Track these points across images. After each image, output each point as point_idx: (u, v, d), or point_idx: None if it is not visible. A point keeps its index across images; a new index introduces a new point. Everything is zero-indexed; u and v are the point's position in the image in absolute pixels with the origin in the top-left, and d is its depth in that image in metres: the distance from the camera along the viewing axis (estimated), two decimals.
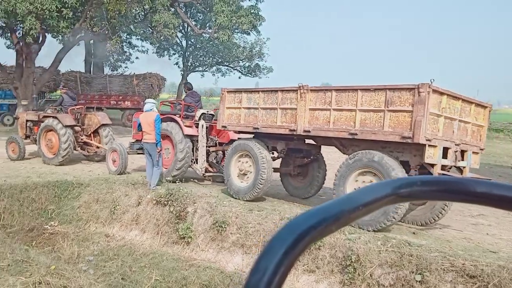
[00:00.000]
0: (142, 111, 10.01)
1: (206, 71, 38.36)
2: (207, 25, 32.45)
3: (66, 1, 17.18)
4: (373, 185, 0.65)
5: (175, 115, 10.78)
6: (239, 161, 8.84)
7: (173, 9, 24.98)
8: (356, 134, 6.88)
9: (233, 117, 8.93)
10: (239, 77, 37.42)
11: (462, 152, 7.11)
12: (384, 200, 0.64)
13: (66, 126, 12.44)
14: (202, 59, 37.16)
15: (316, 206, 0.61)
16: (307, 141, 8.76)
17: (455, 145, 6.87)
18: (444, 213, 7.50)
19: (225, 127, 9.16)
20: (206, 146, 10.37)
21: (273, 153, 8.97)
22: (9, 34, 22.07)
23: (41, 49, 21.92)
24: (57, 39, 24.30)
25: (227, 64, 37.09)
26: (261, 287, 0.52)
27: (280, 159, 9.58)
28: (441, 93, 6.50)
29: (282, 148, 8.82)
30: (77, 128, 12.99)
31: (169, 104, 13.15)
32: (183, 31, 34.85)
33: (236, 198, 8.71)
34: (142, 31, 25.90)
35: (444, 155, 6.71)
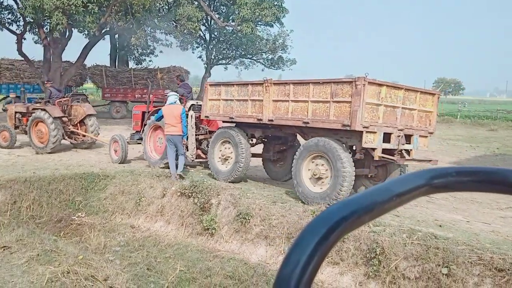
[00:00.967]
0: (144, 104, 10.66)
1: (229, 64, 38.29)
2: (230, 17, 32.37)
3: None
4: (407, 176, 0.64)
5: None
6: (222, 147, 9.75)
7: (196, 2, 25.04)
8: (308, 123, 7.71)
9: (214, 107, 9.82)
10: (262, 70, 37.26)
11: (409, 136, 7.81)
12: (417, 191, 0.63)
13: (55, 118, 13.27)
14: (225, 52, 37.11)
15: (349, 197, 0.60)
16: (288, 130, 9.22)
17: (399, 130, 7.56)
18: None
19: (207, 116, 10.14)
20: (198, 135, 11.10)
21: (252, 140, 9.84)
22: (36, 30, 22.53)
23: (68, 43, 22.31)
24: (83, 34, 24.68)
25: (250, 57, 36.94)
26: (293, 279, 0.52)
27: (262, 146, 10.56)
28: (380, 85, 7.19)
29: (260, 135, 9.71)
30: (64, 119, 13.85)
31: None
32: (206, 24, 34.85)
33: (216, 179, 9.48)
34: (166, 25, 25.99)
35: (388, 140, 7.43)
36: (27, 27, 22.46)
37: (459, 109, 33.12)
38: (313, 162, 7.79)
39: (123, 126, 20.63)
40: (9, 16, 22.74)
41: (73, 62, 23.82)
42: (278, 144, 10.23)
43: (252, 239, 7.59)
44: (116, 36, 30.52)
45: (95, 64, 29.01)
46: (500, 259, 5.25)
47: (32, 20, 21.11)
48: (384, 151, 7.45)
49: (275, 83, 8.40)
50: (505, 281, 5.10)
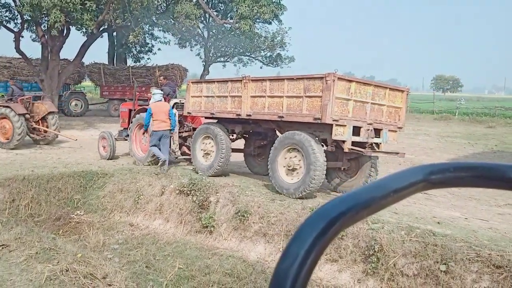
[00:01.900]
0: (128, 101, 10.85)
1: (228, 61, 38.26)
2: (229, 15, 32.34)
3: None
4: (404, 172, 0.64)
5: (148, 106, 11.40)
6: (203, 143, 10.02)
7: (194, 0, 24.97)
8: (283, 117, 8.05)
9: (196, 104, 10.14)
10: (261, 67, 37.23)
11: (379, 130, 8.09)
12: (414, 186, 0.63)
13: (19, 114, 13.64)
14: (223, 49, 37.04)
15: (347, 192, 0.60)
16: (265, 125, 9.43)
17: (368, 124, 7.84)
18: (371, 181, 8.07)
19: (190, 113, 10.47)
20: (182, 132, 11.48)
21: (232, 136, 10.13)
22: (34, 28, 22.44)
23: (66, 41, 22.24)
24: (81, 32, 24.61)
25: (249, 54, 36.90)
26: (291, 273, 0.52)
27: (244, 141, 10.88)
28: (349, 81, 7.56)
29: (240, 130, 10.01)
30: (27, 116, 14.21)
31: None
32: (204, 21, 34.80)
33: (199, 174, 9.68)
34: (164, 22, 25.93)
35: (358, 133, 7.73)
36: (25, 25, 22.35)
37: (457, 106, 33.16)
38: (288, 154, 8.13)
39: None
40: (7, 14, 22.61)
41: (71, 60, 23.73)
42: (258, 140, 10.52)
43: (251, 237, 7.60)
44: (114, 33, 30.48)
45: (93, 62, 28.96)
46: (498, 256, 5.27)
47: (30, 18, 21.03)
48: (354, 144, 7.78)
49: (253, 79, 8.74)
50: (503, 278, 5.12)
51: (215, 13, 31.25)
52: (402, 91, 8.51)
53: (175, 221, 8.72)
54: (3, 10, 22.51)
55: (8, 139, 13.81)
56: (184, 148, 11.71)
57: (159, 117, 10.17)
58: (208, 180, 8.90)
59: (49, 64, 21.98)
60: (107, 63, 31.32)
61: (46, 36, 21.37)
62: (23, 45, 22.30)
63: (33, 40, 26.94)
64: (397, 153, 8.59)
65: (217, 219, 8.13)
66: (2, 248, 6.63)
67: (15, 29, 22.35)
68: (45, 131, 14.84)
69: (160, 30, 32.20)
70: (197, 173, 9.80)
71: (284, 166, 8.14)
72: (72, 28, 22.41)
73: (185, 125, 11.68)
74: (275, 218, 7.44)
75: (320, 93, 7.40)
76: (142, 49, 34.60)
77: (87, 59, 27.58)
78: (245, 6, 23.50)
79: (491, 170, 0.62)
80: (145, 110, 10.92)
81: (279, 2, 24.77)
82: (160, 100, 10.54)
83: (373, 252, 6.04)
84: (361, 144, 7.93)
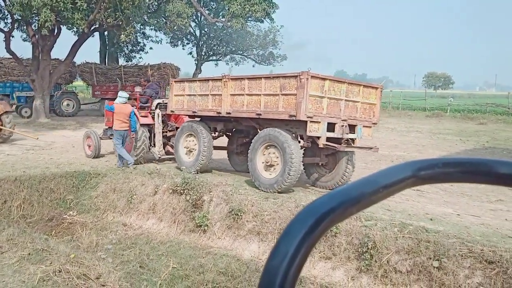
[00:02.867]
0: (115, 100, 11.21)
1: (220, 60, 38.27)
2: (220, 13, 32.29)
3: None
4: (393, 168, 0.64)
5: (132, 106, 11.55)
6: (186, 140, 10.28)
7: None
8: (261, 114, 8.31)
9: (179, 103, 10.37)
10: (253, 66, 37.29)
11: (353, 126, 8.33)
12: (404, 182, 0.63)
13: None
14: (216, 48, 37.05)
15: (336, 189, 0.60)
16: (245, 123, 9.61)
17: (342, 120, 8.10)
18: (348, 175, 8.90)
19: (173, 111, 10.74)
20: (166, 131, 11.73)
21: (214, 133, 10.34)
22: (24, 27, 22.31)
23: (56, 41, 22.10)
24: (72, 31, 24.46)
25: (241, 52, 36.93)
26: (281, 270, 0.52)
27: (227, 139, 11.08)
28: (323, 79, 7.77)
29: (221, 128, 10.21)
30: None
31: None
32: (196, 20, 34.76)
33: (181, 170, 10.01)
34: (155, 21, 25.84)
35: (332, 129, 7.99)
36: (15, 25, 22.22)
37: (449, 103, 33.35)
38: (266, 151, 8.41)
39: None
40: None
41: (62, 60, 23.58)
42: (241, 137, 10.68)
43: (245, 235, 7.60)
44: (106, 33, 30.32)
45: (84, 62, 28.76)
46: (490, 251, 5.31)
47: (20, 17, 20.90)
48: (330, 139, 8.05)
49: (233, 78, 8.98)
50: (495, 273, 5.16)
51: (206, 11, 31.22)
52: (376, 88, 8.75)
53: (168, 221, 8.70)
54: None
55: None
56: (168, 147, 11.92)
57: (120, 118, 10.64)
58: (201, 179, 8.88)
59: (40, 64, 21.84)
60: (98, 62, 31.16)
61: (36, 36, 21.24)
62: (13, 45, 22.17)
63: (24, 40, 26.81)
64: (371, 147, 8.81)
65: (210, 218, 8.12)
66: None
67: (5, 29, 22.20)
68: (0, 130, 14.97)
69: (151, 29, 32.13)
70: (180, 170, 10.07)
71: (262, 162, 8.42)
72: (63, 28, 22.30)
73: (168, 124, 11.91)
74: (269, 216, 7.45)
75: (295, 91, 7.65)
76: (134, 48, 34.48)
77: (78, 59, 27.44)
78: (237, 5, 23.48)
79: (479, 166, 0.63)
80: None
81: (271, 0, 24.75)
82: (124, 103, 10.93)
83: (366, 249, 6.06)
84: (337, 140, 8.20)
